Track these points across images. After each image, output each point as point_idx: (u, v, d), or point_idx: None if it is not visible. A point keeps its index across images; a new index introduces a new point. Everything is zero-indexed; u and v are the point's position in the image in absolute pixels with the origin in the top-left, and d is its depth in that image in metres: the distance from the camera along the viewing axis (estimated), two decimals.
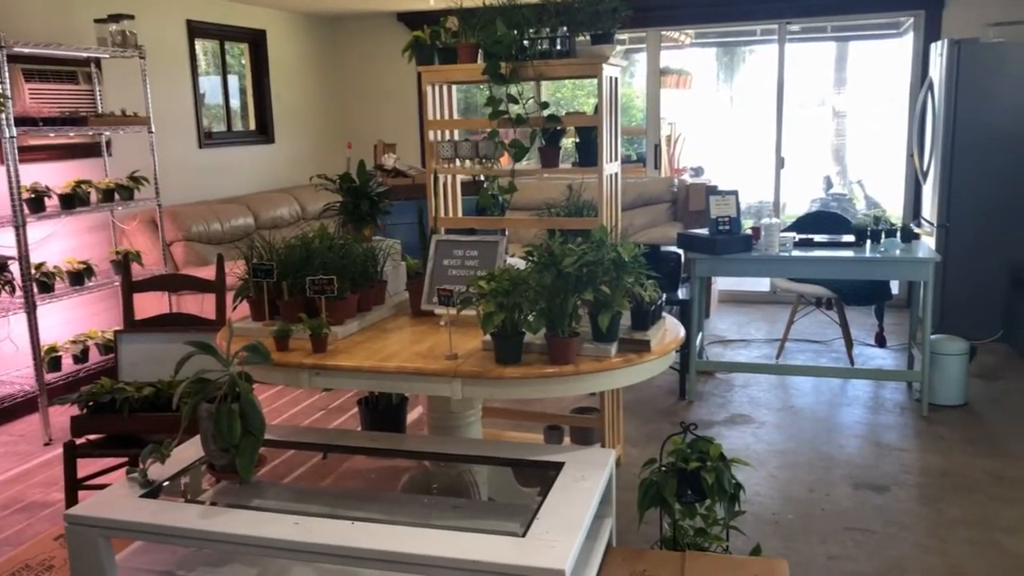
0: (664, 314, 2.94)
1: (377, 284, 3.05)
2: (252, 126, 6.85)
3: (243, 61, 6.78)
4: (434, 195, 3.51)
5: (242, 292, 2.93)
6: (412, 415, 4.18)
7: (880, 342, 5.48)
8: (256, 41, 6.76)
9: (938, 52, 5.63)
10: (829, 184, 12.76)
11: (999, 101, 5.34)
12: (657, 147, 7.12)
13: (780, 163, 6.76)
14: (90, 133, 4.91)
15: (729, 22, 6.99)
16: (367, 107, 7.66)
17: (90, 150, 5.12)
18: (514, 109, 3.30)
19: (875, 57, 12.18)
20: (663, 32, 7.12)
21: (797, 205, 12.04)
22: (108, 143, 5.20)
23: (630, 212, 6.67)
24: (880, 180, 11.40)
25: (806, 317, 5.93)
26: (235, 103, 6.69)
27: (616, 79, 3.46)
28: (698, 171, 8.58)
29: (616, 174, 3.54)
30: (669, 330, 2.80)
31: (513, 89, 3.29)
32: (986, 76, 5.34)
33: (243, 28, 6.57)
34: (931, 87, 5.77)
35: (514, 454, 2.57)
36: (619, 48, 3.39)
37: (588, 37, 3.31)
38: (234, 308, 3.08)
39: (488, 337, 2.48)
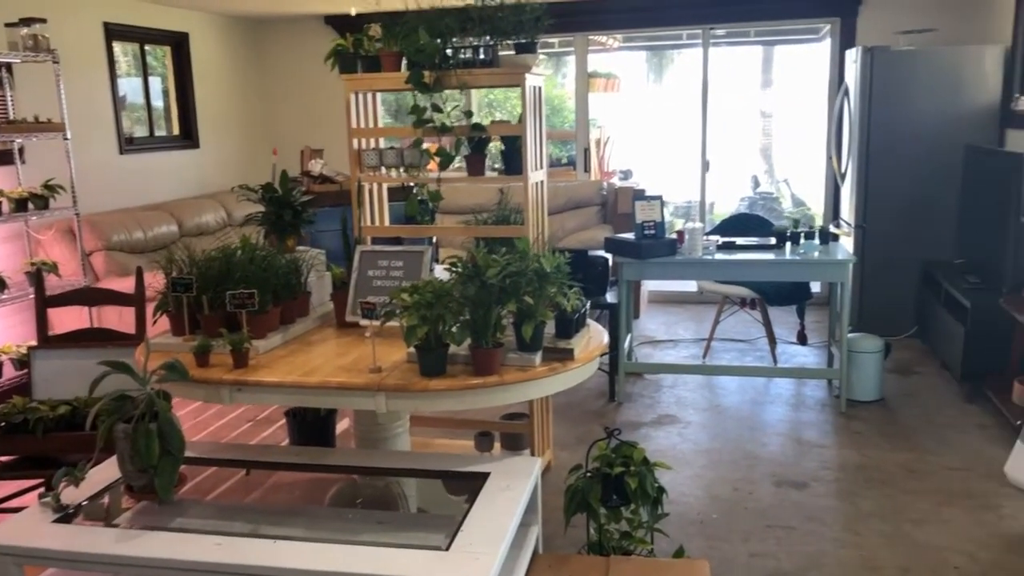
0: (588, 321, 2.99)
1: (301, 296, 3.02)
2: (176, 131, 6.69)
3: (166, 63, 6.62)
4: (360, 204, 3.49)
5: (161, 307, 2.87)
6: (342, 424, 4.15)
7: (802, 340, 5.65)
8: (178, 43, 6.60)
9: (852, 59, 5.83)
10: (757, 183, 13.10)
11: (911, 106, 5.55)
12: (587, 150, 7.20)
13: (705, 166, 6.90)
14: (1, 140, 4.73)
15: (655, 27, 7.11)
16: (295, 111, 7.55)
17: (2, 158, 4.94)
18: (439, 117, 3.31)
19: (798, 60, 12.52)
20: (591, 36, 7.20)
21: (727, 203, 12.33)
22: (21, 150, 5.02)
23: (561, 215, 6.72)
24: (806, 179, 11.73)
25: (732, 317, 6.07)
26: (158, 103, 6.52)
27: (540, 88, 3.49)
28: (627, 174, 8.70)
29: (542, 182, 3.57)
30: (593, 337, 2.85)
31: (437, 97, 3.30)
32: (898, 82, 5.55)
33: (164, 31, 6.41)
34: (847, 92, 5.97)
35: (440, 465, 2.57)
36: (541, 57, 3.42)
37: (512, 45, 3.35)
38: (154, 322, 3.02)
39: (412, 349, 2.48)
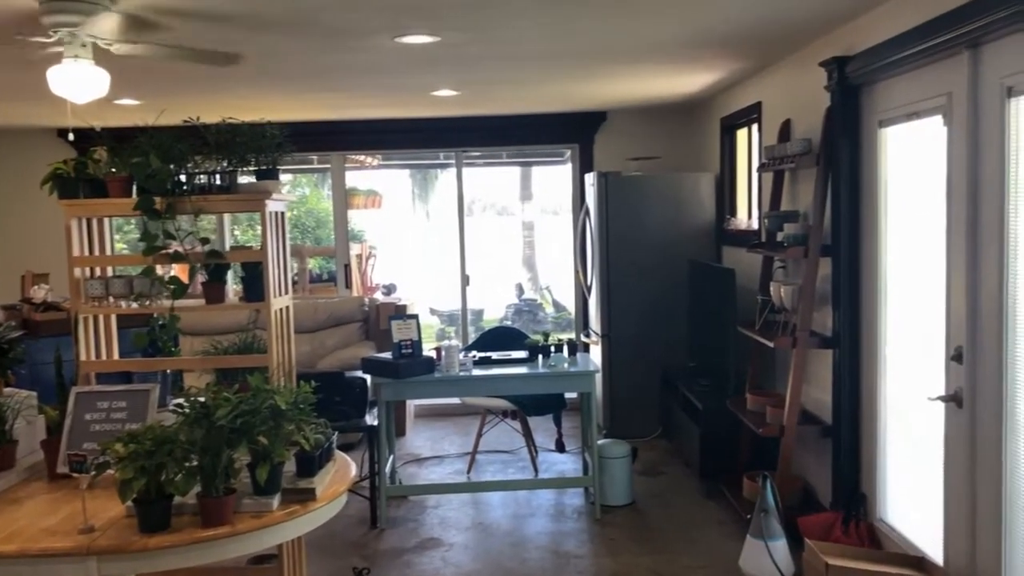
0: (336, 452, 2.89)
1: (5, 446, 2.67)
2: None
3: None
4: (80, 338, 3.19)
5: None
6: None
7: (560, 448, 5.82)
8: None
9: (591, 182, 6.34)
10: (521, 291, 13.70)
11: (642, 225, 6.09)
12: (347, 267, 7.17)
13: (465, 281, 7.09)
14: None
15: (410, 148, 7.34)
16: (18, 230, 6.88)
17: None
18: (172, 244, 3.14)
19: (552, 178, 13.46)
20: (348, 155, 7.29)
21: (495, 309, 12.77)
22: None
23: (322, 333, 6.59)
24: (567, 286, 12.44)
25: (495, 428, 6.15)
26: None
27: (282, 213, 3.43)
28: (391, 288, 8.75)
29: (287, 307, 3.48)
30: (339, 471, 2.75)
31: (170, 223, 3.14)
32: (630, 203, 6.08)
33: None
34: (588, 212, 6.45)
35: None
36: (282, 183, 3.39)
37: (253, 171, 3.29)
38: None
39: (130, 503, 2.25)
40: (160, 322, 3.43)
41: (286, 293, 3.45)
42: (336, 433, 2.91)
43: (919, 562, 3.31)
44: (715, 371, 5.24)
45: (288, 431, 2.41)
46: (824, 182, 4.05)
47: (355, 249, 8.06)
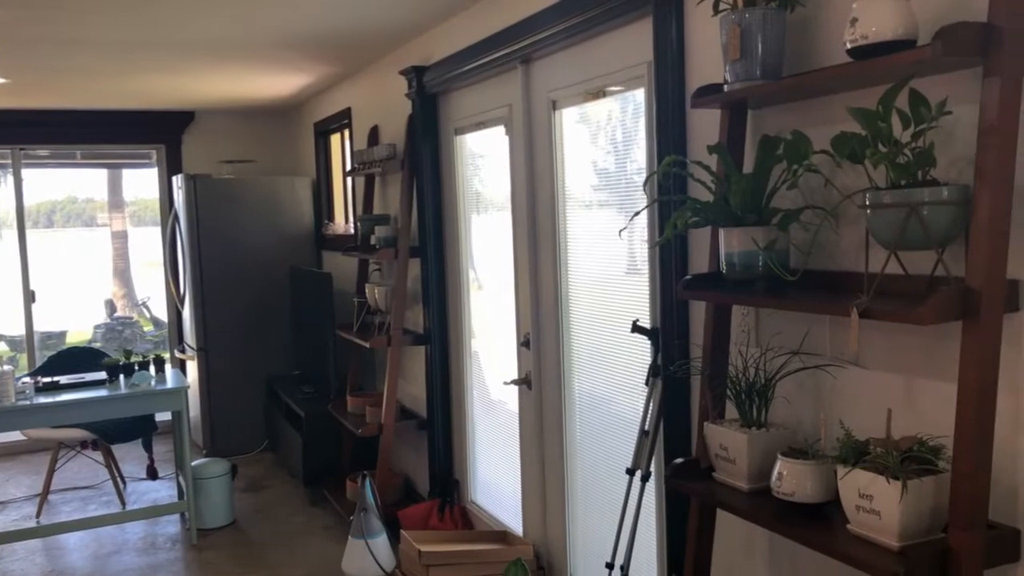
0: None
1: None
2: None
3: None
4: None
5: None
6: None
7: (152, 475, 5.33)
8: None
9: (178, 185, 5.91)
10: (113, 308, 12.38)
11: (239, 231, 5.83)
12: None
13: (30, 298, 6.18)
14: None
15: None
16: None
17: None
18: None
19: (146, 185, 12.42)
20: None
21: (83, 330, 11.36)
22: None
23: None
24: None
25: (73, 461, 5.45)
26: None
27: None
28: None
29: None
30: None
31: None
32: (224, 208, 5.79)
33: None
34: (177, 217, 6.00)
35: None
36: None
37: None
38: None
39: None
40: None
41: None
42: None
43: (503, 535, 3.58)
44: (318, 377, 5.19)
45: None
46: (409, 186, 4.22)
47: None
